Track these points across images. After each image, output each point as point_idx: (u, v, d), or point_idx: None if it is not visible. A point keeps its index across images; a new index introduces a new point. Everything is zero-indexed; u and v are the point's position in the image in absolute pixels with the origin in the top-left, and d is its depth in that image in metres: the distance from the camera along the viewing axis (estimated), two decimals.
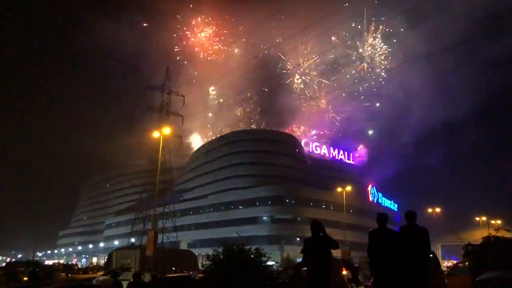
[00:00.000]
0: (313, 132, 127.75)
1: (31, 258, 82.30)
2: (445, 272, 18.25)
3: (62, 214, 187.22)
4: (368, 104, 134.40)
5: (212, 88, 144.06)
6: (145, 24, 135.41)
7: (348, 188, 71.86)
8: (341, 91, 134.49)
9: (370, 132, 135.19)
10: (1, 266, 58.46)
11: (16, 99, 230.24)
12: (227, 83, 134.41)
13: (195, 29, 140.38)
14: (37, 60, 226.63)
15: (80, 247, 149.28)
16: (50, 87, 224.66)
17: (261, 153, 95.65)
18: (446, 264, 64.65)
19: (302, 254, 9.22)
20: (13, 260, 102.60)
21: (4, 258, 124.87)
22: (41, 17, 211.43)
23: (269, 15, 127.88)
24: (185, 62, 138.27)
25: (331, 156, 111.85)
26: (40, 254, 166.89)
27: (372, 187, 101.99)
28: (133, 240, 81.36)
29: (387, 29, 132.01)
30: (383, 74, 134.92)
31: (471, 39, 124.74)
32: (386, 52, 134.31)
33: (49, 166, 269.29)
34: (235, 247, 15.32)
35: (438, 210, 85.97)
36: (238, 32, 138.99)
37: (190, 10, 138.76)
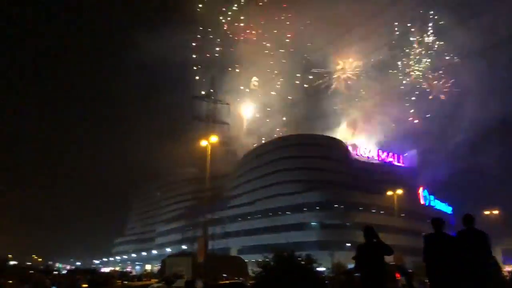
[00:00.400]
0: (361, 135, 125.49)
1: (89, 266, 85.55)
2: (507, 277, 17.40)
3: (116, 223, 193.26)
4: (413, 101, 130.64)
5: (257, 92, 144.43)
6: (191, 40, 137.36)
7: (399, 191, 70.02)
8: (389, 92, 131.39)
9: (420, 132, 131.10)
10: (63, 274, 61.18)
11: (72, 112, 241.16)
12: (272, 88, 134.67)
13: (239, 37, 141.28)
14: (90, 73, 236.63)
15: (134, 255, 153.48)
16: (98, 100, 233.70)
17: (308, 158, 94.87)
18: (507, 269, 61.43)
19: (353, 260, 9.10)
20: (73, 267, 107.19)
21: (64, 266, 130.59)
22: (95, 32, 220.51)
23: (313, 19, 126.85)
24: (229, 69, 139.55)
25: (380, 159, 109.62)
26: (97, 262, 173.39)
27: (423, 189, 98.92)
28: (184, 247, 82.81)
29: (432, 26, 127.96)
30: (431, 74, 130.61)
31: None
32: (435, 49, 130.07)
33: (103, 176, 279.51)
34: (285, 253, 15.28)
35: (496, 212, 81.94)
36: (282, 38, 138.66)
37: (233, 19, 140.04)
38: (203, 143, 43.68)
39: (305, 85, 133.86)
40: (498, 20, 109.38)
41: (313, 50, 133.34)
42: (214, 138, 45.04)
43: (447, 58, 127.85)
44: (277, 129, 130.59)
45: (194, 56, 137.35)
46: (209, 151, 43.09)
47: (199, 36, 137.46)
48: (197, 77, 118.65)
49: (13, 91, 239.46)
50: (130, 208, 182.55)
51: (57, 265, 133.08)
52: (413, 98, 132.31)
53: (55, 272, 68.06)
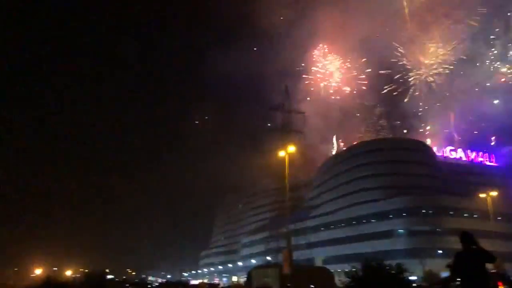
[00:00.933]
0: (447, 135, 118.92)
1: (178, 278, 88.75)
2: None
3: (201, 235, 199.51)
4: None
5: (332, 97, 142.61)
6: (255, 49, 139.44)
7: (493, 193, 65.18)
8: (474, 88, 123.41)
9: None
10: (155, 286, 64.08)
11: (155, 125, 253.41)
12: (348, 94, 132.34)
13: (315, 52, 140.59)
14: (167, 91, 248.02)
15: (220, 267, 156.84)
16: (178, 115, 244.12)
17: (391, 163, 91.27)
18: None
19: (447, 268, 8.51)
20: (164, 280, 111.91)
21: (156, 278, 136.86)
22: (171, 49, 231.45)
23: (388, 18, 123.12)
24: (303, 76, 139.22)
25: (469, 159, 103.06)
26: (185, 275, 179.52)
27: None
28: (268, 258, 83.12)
29: None
30: None
31: None
32: None
33: (187, 190, 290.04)
34: (373, 263, 14.66)
35: None
36: (355, 41, 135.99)
37: (304, 28, 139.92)
38: (281, 153, 43.87)
39: (384, 89, 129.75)
40: None
41: (390, 49, 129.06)
42: (291, 148, 44.94)
43: None
44: (358, 135, 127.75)
45: (267, 68, 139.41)
46: (287, 161, 43.07)
47: (271, 48, 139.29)
48: (271, 88, 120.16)
49: (102, 104, 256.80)
50: (214, 220, 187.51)
51: (150, 278, 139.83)
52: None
53: (148, 286, 71.54)
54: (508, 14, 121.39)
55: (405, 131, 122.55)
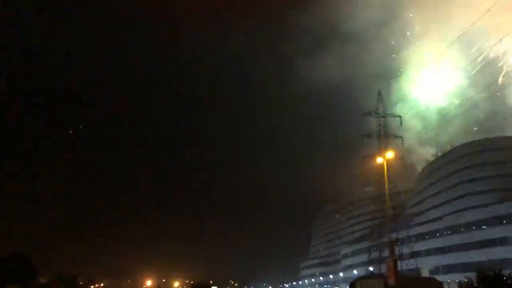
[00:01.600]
0: None
1: None
2: None
3: (301, 246, 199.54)
4: None
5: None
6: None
7: None
8: None
9: None
10: None
11: (252, 137, 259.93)
12: (449, 90, 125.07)
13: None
14: (259, 102, 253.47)
15: (321, 278, 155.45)
16: (271, 127, 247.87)
17: (499, 164, 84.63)
18: None
19: None
20: None
21: None
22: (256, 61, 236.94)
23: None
24: (397, 76, 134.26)
25: None
26: (287, 286, 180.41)
27: None
28: (371, 268, 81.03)
29: None
30: None
31: None
32: None
33: (286, 199, 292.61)
34: (490, 273, 13.82)
35: None
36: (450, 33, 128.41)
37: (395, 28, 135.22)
38: (379, 160, 42.92)
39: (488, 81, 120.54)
40: None
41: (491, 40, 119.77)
42: (389, 154, 43.96)
43: None
44: (459, 135, 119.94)
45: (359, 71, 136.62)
46: (386, 168, 42.01)
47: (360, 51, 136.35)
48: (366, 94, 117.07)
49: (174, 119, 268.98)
50: (312, 231, 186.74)
51: None
52: None
53: None
54: None
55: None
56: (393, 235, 71.83)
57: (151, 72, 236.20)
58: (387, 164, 46.13)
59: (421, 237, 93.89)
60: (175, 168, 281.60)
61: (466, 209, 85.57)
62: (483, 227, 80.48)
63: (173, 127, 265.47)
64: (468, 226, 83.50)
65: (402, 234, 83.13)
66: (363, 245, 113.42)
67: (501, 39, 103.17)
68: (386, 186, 43.07)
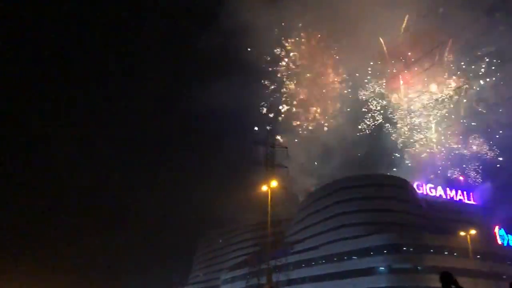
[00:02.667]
0: (426, 172, 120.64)
1: None
2: None
3: (180, 271, 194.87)
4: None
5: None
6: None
7: (472, 231, 65.87)
8: (456, 125, 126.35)
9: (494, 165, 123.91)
10: None
11: (137, 157, 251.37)
12: (332, 128, 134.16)
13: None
14: (147, 122, 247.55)
15: None
16: (160, 147, 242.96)
17: (372, 199, 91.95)
18: None
19: None
20: None
21: None
22: (153, 80, 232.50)
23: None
24: (287, 108, 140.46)
25: (448, 197, 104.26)
26: None
27: (499, 228, 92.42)
28: None
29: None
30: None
31: None
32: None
33: (168, 223, 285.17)
34: None
35: None
36: (339, 70, 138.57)
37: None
38: (263, 188, 44.01)
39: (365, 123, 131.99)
40: None
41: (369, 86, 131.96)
42: (274, 183, 45.18)
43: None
44: (339, 170, 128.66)
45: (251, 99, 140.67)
46: (270, 196, 43.16)
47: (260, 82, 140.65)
48: (256, 128, 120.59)
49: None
50: (194, 255, 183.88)
51: None
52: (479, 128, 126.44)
53: None
54: None
55: (386, 167, 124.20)
56: (272, 262, 73.75)
57: None
58: (271, 193, 47.38)
59: (298, 265, 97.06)
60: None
61: (339, 240, 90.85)
62: (354, 258, 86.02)
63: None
64: (340, 256, 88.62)
65: (281, 261, 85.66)
66: (243, 271, 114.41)
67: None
68: (269, 213, 44.10)
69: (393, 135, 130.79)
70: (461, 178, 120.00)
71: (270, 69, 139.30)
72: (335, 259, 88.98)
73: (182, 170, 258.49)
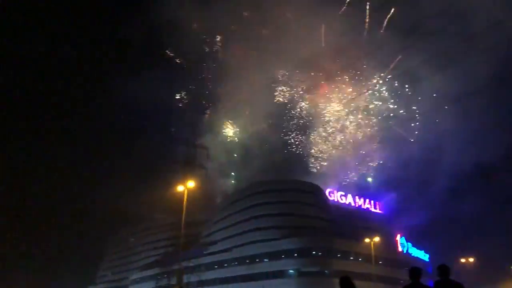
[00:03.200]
0: (339, 180, 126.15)
1: None
2: None
3: (88, 270, 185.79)
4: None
5: (236, 139, 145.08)
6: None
7: (376, 238, 69.98)
8: (368, 137, 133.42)
9: (398, 179, 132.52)
10: None
11: (43, 152, 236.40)
12: (253, 131, 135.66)
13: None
14: (63, 114, 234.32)
15: None
16: (75, 140, 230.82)
17: (286, 204, 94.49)
18: None
19: None
20: None
21: None
22: (72, 71, 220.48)
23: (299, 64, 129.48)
24: (210, 109, 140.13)
25: (357, 205, 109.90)
26: None
27: (401, 236, 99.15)
28: None
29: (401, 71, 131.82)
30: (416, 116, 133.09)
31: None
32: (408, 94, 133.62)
33: (74, 221, 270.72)
34: None
35: (471, 260, 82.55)
36: (262, 78, 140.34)
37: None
38: (180, 188, 43.31)
39: (286, 129, 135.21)
40: (475, 67, 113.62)
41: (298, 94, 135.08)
42: (191, 183, 44.62)
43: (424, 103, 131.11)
44: (257, 173, 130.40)
45: (178, 98, 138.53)
46: (186, 196, 42.68)
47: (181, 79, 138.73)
48: (175, 127, 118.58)
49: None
50: (103, 253, 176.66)
51: None
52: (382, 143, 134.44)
53: None
54: None
55: (302, 173, 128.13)
56: (184, 264, 73.05)
57: None
58: (188, 193, 46.91)
59: (210, 266, 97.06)
60: None
61: (253, 242, 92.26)
62: (265, 260, 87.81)
63: None
64: (252, 258, 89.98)
65: (193, 262, 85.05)
66: (153, 271, 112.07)
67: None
68: (184, 213, 43.60)
69: (311, 142, 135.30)
70: (370, 185, 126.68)
71: (195, 68, 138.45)
72: (247, 261, 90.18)
73: (96, 164, 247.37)
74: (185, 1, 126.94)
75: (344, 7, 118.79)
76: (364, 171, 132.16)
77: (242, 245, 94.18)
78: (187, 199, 46.71)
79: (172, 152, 76.47)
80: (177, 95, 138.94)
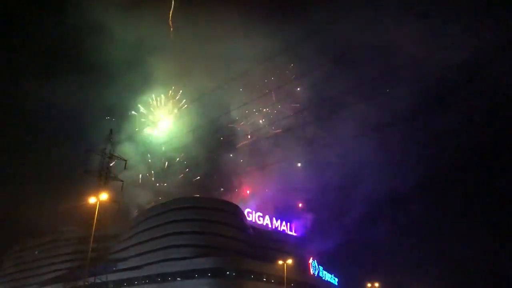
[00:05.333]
0: (257, 200, 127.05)
1: None
2: None
3: None
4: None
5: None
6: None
7: (289, 261, 71.19)
8: (289, 159, 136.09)
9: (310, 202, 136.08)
10: None
11: None
12: (176, 146, 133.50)
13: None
14: None
15: None
16: None
17: (202, 222, 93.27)
18: None
19: None
20: None
21: None
22: None
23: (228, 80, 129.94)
24: (132, 113, 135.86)
25: (273, 226, 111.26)
26: None
27: (313, 260, 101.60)
28: None
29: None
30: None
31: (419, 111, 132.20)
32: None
33: None
34: None
35: (377, 285, 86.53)
36: (191, 94, 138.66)
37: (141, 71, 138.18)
38: (92, 200, 41.30)
39: (210, 146, 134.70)
40: (394, 98, 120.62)
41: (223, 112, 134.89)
42: (104, 195, 42.83)
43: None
44: (177, 188, 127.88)
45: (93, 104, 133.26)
46: (97, 209, 40.75)
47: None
48: (92, 135, 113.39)
49: None
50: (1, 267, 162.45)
51: None
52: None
53: None
54: None
55: (223, 190, 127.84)
56: (91, 279, 69.15)
57: None
58: (101, 206, 44.83)
59: (119, 283, 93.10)
60: None
61: (166, 260, 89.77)
62: (178, 279, 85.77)
63: None
64: (165, 277, 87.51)
65: (101, 279, 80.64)
66: (57, 286, 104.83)
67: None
68: (94, 227, 41.50)
69: (233, 160, 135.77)
70: (287, 206, 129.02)
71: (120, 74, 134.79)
72: (159, 279, 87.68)
73: (4, 169, 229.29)
74: (111, 5, 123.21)
75: None
76: (287, 192, 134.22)
77: (155, 262, 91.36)
78: (100, 212, 44.65)
79: (88, 162, 72.34)
80: (100, 102, 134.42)
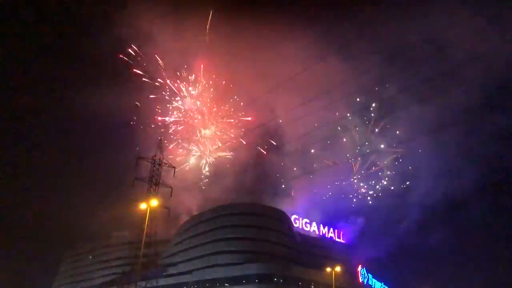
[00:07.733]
0: (305, 207, 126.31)
1: None
2: None
3: (43, 283, 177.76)
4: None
5: (204, 161, 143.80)
6: (137, 103, 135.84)
7: (338, 268, 70.11)
8: (336, 166, 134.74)
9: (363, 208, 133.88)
10: None
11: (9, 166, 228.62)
12: (225, 151, 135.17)
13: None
14: (25, 124, 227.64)
15: None
16: (36, 152, 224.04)
17: (250, 228, 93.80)
18: None
19: None
20: None
21: None
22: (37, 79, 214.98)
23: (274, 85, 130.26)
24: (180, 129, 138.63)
25: (321, 233, 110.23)
26: None
27: (362, 267, 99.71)
28: None
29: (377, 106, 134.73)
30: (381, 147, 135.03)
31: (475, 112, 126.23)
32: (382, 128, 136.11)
33: (30, 235, 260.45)
34: None
35: None
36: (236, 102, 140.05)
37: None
38: (142, 206, 42.55)
39: (255, 153, 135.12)
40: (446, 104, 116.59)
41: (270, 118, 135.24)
42: (154, 202, 44.00)
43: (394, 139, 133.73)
44: (225, 193, 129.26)
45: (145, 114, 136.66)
46: (148, 215, 41.95)
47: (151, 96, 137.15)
48: (141, 143, 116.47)
49: None
50: (59, 268, 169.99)
51: None
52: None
53: None
54: None
55: (271, 197, 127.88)
56: (142, 284, 71.05)
57: None
58: (151, 212, 46.10)
59: None
60: None
61: (214, 266, 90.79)
62: (226, 284, 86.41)
63: None
64: (213, 282, 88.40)
65: (152, 283, 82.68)
66: None
67: None
68: (144, 232, 42.79)
69: (282, 164, 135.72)
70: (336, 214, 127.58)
71: (166, 86, 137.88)
72: (208, 285, 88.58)
73: (58, 176, 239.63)
74: (155, 18, 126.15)
75: None
76: (334, 199, 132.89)
77: (203, 268, 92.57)
78: (151, 218, 45.90)
79: (139, 170, 74.93)
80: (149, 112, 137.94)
